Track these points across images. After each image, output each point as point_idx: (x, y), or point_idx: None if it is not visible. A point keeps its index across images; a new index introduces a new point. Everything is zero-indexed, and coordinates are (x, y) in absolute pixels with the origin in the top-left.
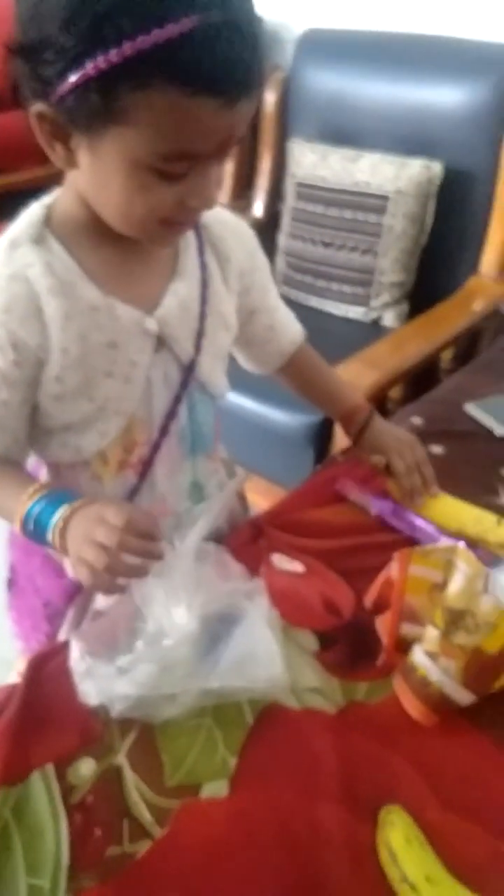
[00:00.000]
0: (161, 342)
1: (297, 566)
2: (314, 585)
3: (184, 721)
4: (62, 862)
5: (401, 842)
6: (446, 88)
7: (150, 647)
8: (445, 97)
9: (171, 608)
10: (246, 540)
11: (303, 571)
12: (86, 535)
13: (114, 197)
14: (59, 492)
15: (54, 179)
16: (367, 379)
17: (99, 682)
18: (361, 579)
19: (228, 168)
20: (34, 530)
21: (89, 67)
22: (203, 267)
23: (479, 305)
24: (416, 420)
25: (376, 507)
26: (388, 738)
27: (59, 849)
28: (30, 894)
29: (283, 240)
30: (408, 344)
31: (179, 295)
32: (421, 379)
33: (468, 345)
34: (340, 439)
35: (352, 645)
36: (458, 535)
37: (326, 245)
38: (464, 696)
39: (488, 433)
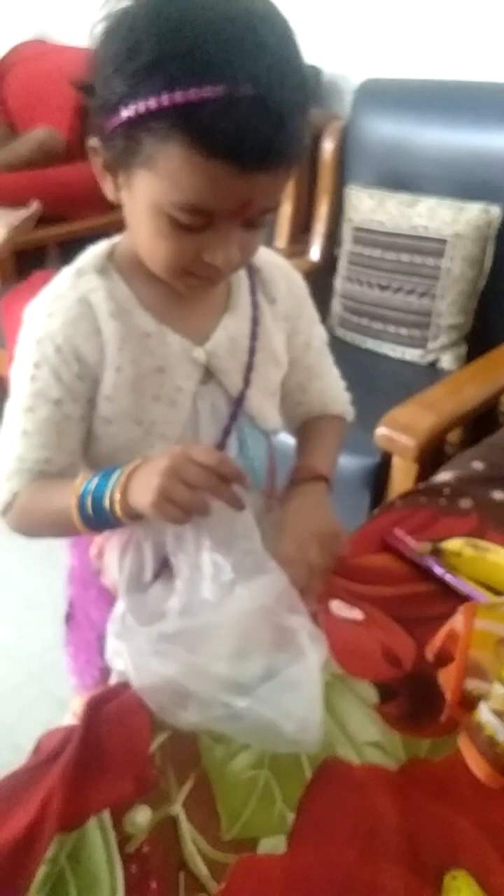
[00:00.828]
0: (209, 374)
1: (356, 613)
2: (373, 634)
3: (240, 772)
4: None
5: None
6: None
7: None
8: (503, 142)
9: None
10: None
11: (362, 619)
12: (152, 470)
13: (142, 236)
14: (110, 467)
15: (116, 227)
16: (425, 422)
17: (132, 647)
18: (422, 629)
19: (286, 212)
20: (92, 505)
21: (124, 113)
22: (255, 305)
23: None
24: (478, 465)
25: (430, 565)
26: (453, 798)
27: None
28: None
29: (339, 283)
30: (466, 387)
31: (230, 329)
32: (480, 423)
33: None
34: (397, 482)
35: (413, 698)
36: None
37: (383, 288)
38: None
39: None
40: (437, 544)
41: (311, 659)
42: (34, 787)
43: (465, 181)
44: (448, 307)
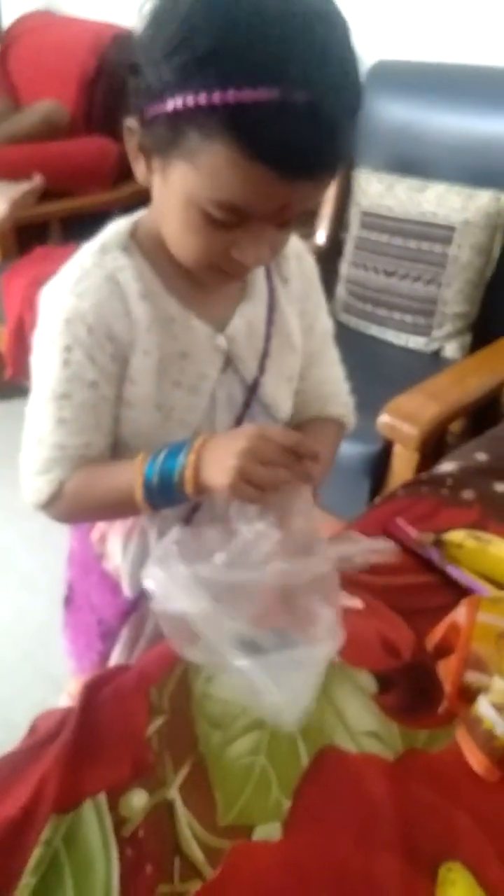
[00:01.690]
0: (228, 361)
1: (356, 602)
2: (373, 624)
3: (237, 758)
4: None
5: None
6: None
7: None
8: None
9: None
10: None
11: (362, 608)
12: (227, 450)
13: (172, 225)
14: (175, 442)
15: (121, 204)
16: (428, 411)
17: (167, 574)
18: (421, 619)
19: None
20: (159, 483)
21: (170, 103)
22: (271, 291)
23: None
24: (481, 456)
25: (432, 556)
26: (449, 789)
27: (109, 882)
28: None
29: (345, 268)
30: (470, 377)
31: (247, 316)
32: (481, 413)
33: None
34: (398, 471)
35: (411, 688)
36: None
37: (389, 274)
38: None
39: None
40: (438, 535)
41: (321, 650)
42: (30, 768)
43: (475, 168)
44: (454, 295)
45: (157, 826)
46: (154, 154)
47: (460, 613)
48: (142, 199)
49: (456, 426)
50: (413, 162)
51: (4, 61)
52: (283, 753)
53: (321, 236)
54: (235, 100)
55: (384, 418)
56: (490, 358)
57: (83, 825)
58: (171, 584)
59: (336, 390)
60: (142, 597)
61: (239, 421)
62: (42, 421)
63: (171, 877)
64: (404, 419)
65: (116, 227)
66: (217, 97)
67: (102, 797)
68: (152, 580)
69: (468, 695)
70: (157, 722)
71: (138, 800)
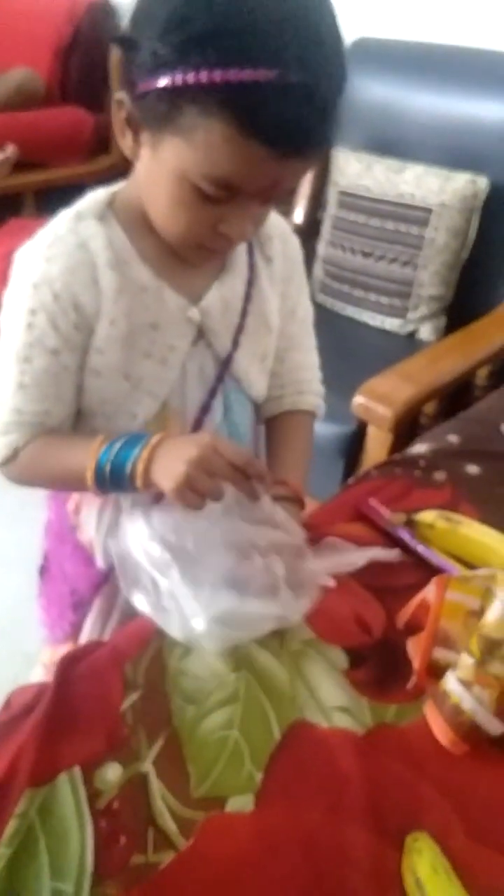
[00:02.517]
0: (200, 334)
1: (328, 581)
2: (345, 601)
3: (210, 732)
4: (87, 867)
5: (428, 871)
6: (495, 103)
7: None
8: (493, 112)
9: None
10: None
11: (333, 586)
12: (179, 455)
13: (160, 200)
14: (132, 433)
15: (97, 177)
16: (403, 393)
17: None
18: (392, 598)
19: None
20: (111, 471)
21: (167, 79)
22: (251, 266)
23: None
24: (453, 438)
25: (403, 536)
26: (416, 762)
27: (83, 854)
28: None
29: (322, 248)
30: (444, 359)
31: (224, 289)
32: (455, 395)
33: None
34: (372, 452)
35: (381, 664)
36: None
37: (366, 255)
38: (496, 727)
39: None
40: (410, 516)
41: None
42: (5, 743)
43: (453, 150)
44: (430, 278)
45: (131, 798)
46: (144, 128)
47: (430, 592)
48: (118, 171)
49: (429, 408)
50: (392, 142)
51: None
52: (255, 727)
53: (299, 215)
54: (237, 78)
55: (358, 399)
56: (464, 341)
57: (58, 798)
58: (130, 526)
59: (311, 377)
60: (114, 569)
61: (212, 394)
62: (4, 383)
63: (145, 848)
64: (378, 400)
65: (94, 196)
66: (218, 75)
67: (77, 771)
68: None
69: (436, 671)
70: (132, 697)
71: (112, 773)
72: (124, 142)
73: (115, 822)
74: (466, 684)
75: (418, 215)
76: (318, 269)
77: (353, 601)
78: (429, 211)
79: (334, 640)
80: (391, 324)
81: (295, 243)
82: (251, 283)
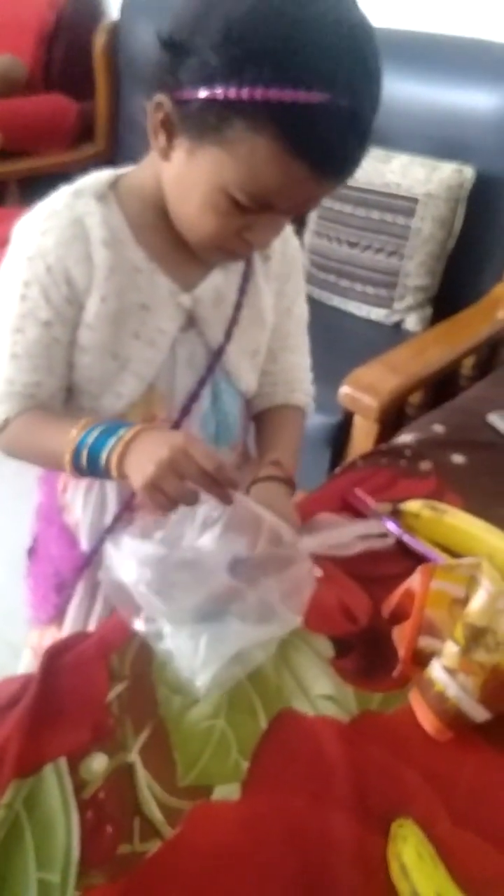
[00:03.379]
0: (192, 321)
1: (315, 570)
2: (331, 590)
3: (197, 722)
4: (73, 857)
5: (413, 857)
6: (481, 93)
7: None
8: (480, 101)
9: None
10: None
11: (321, 575)
12: (151, 453)
13: (190, 205)
14: (112, 421)
15: (81, 165)
16: (389, 383)
17: (118, 547)
18: (377, 587)
19: None
20: (87, 458)
21: (219, 91)
22: (248, 262)
23: (503, 314)
24: (438, 428)
25: (389, 526)
26: (401, 750)
27: (69, 844)
28: (40, 888)
29: (308, 238)
30: (430, 349)
31: (218, 280)
32: (440, 385)
33: (490, 353)
34: (358, 442)
35: (367, 653)
36: None
37: (352, 245)
38: (480, 714)
39: None
40: (396, 505)
41: (259, 630)
42: None
43: (440, 139)
44: (416, 268)
45: (117, 788)
46: (182, 133)
47: (415, 581)
48: (103, 159)
49: (415, 398)
50: (378, 131)
51: None
52: (242, 717)
53: None
54: (291, 98)
55: (345, 389)
56: (449, 331)
57: (44, 789)
58: (117, 556)
59: (303, 378)
60: (97, 552)
61: (201, 383)
62: None
63: (131, 837)
64: (364, 391)
65: (97, 176)
66: (272, 93)
67: (63, 761)
68: (106, 554)
69: (421, 659)
70: (118, 688)
71: (98, 763)
72: (155, 142)
73: (102, 812)
74: (451, 672)
75: (404, 205)
76: (305, 260)
77: (338, 590)
78: (415, 201)
79: (320, 629)
80: (377, 314)
81: (295, 244)
82: (247, 277)
